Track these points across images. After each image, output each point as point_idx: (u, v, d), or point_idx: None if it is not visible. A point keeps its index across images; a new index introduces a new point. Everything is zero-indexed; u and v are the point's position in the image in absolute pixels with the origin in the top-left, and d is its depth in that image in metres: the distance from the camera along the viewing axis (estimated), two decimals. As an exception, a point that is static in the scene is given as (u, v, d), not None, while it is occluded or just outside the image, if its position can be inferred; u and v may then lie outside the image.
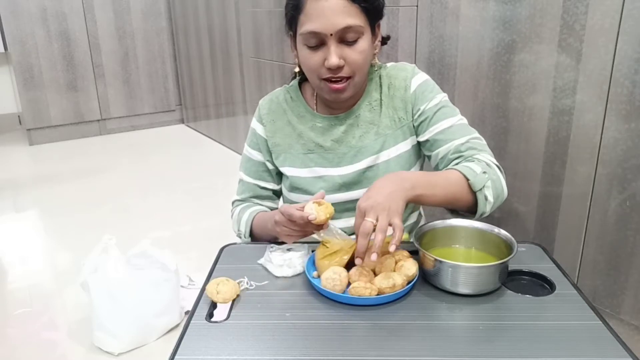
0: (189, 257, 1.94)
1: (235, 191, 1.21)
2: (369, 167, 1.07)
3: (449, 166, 1.01)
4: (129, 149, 3.46)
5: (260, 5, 2.60)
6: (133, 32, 3.66)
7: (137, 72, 3.73)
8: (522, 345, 0.74)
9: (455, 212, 1.01)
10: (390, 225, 0.82)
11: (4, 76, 3.74)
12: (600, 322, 0.80)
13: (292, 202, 1.14)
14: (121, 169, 3.05)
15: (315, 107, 1.10)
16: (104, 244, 1.40)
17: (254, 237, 1.11)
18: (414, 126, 1.08)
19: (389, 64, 1.11)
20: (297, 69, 1.07)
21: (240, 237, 1.15)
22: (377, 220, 0.82)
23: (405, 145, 1.08)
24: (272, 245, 1.01)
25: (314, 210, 0.90)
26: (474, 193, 0.96)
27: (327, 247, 0.91)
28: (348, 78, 0.98)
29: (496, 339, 0.76)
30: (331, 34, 0.94)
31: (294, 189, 1.12)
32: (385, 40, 1.09)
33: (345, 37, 0.95)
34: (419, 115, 1.06)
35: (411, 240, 0.92)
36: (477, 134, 1.04)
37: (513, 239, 0.91)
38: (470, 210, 0.99)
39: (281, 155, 1.12)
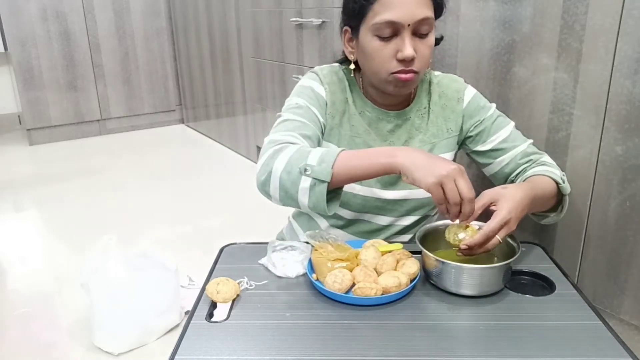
0: (189, 257, 1.93)
1: (271, 133, 0.99)
2: None
3: (529, 171, 1.05)
4: (129, 149, 3.45)
5: (260, 5, 2.60)
6: (133, 32, 3.66)
7: (137, 72, 3.73)
8: (522, 345, 0.74)
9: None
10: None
11: (4, 76, 3.74)
12: (600, 322, 0.80)
13: None
14: (121, 169, 3.05)
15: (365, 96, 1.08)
16: (104, 243, 1.40)
17: (337, 174, 0.85)
18: (466, 137, 1.10)
19: (436, 72, 1.11)
20: (352, 66, 1.04)
21: (289, 182, 0.87)
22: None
23: (448, 157, 1.09)
24: (273, 244, 1.01)
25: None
26: (557, 197, 1.02)
27: (322, 255, 0.89)
28: (416, 72, 0.96)
29: (496, 339, 0.76)
30: (409, 25, 0.92)
31: None
32: (438, 41, 1.06)
33: (419, 30, 0.94)
34: (476, 126, 1.08)
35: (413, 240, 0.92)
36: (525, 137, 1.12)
37: (516, 239, 0.91)
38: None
39: (333, 129, 1.07)
